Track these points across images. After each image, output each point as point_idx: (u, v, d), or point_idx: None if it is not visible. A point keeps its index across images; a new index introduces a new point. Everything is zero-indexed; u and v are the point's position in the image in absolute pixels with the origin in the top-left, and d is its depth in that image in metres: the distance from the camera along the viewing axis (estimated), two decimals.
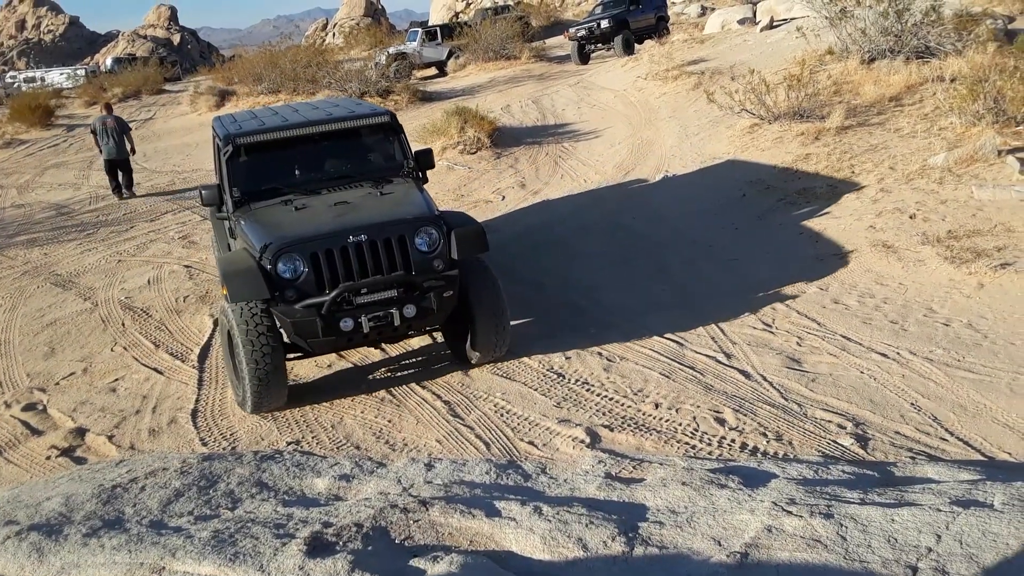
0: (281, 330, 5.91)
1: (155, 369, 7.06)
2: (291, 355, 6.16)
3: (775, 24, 20.28)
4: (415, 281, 5.91)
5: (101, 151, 14.02)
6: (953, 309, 6.56)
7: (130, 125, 14.85)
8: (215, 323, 7.87)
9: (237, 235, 6.55)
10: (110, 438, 5.90)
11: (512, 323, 6.48)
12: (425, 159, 7.05)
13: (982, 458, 4.58)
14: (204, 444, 5.66)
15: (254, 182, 6.63)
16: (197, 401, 6.36)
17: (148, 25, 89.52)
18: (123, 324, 8.18)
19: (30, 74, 45.83)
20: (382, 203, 6.38)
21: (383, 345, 6.87)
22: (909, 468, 4.27)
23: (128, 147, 14.05)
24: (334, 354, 6.87)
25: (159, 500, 4.28)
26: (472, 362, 6.43)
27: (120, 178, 14.19)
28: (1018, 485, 3.53)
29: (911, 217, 8.27)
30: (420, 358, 6.84)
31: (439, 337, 7.01)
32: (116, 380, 6.93)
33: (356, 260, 5.77)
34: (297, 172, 6.88)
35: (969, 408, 5.10)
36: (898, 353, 5.93)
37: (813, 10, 14.90)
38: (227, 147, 6.63)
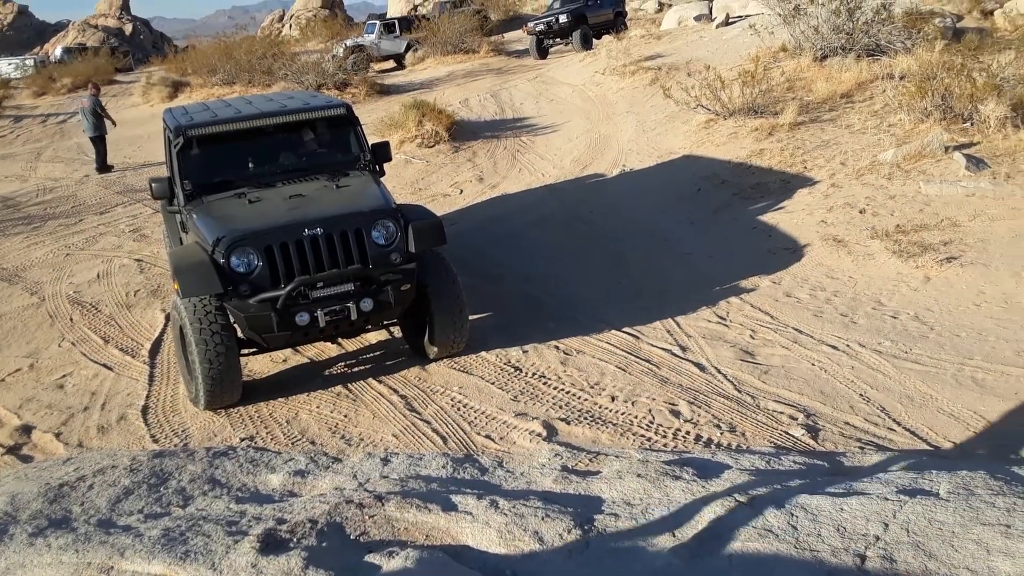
0: (235, 325, 5.83)
1: (104, 365, 6.91)
2: (245, 351, 6.08)
3: (731, 21, 20.51)
4: (372, 275, 5.83)
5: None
6: (901, 302, 6.71)
7: (101, 103, 15.74)
8: (167, 318, 7.74)
9: (189, 229, 6.42)
10: (57, 435, 5.77)
11: (470, 317, 6.45)
12: (382, 152, 7.01)
13: (928, 447, 4.69)
14: (155, 441, 5.56)
15: (206, 175, 6.47)
16: (148, 397, 6.25)
17: (99, 15, 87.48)
18: (71, 319, 8.00)
19: None
20: (338, 196, 6.29)
21: (340, 340, 6.82)
22: (858, 458, 4.37)
23: (92, 125, 15.13)
24: (289, 349, 6.78)
25: (108, 499, 4.20)
26: (430, 356, 6.39)
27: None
28: (963, 474, 3.62)
29: (861, 212, 8.43)
30: (377, 352, 6.80)
31: (396, 332, 6.97)
32: (64, 376, 6.77)
33: (312, 253, 5.69)
34: (251, 165, 6.73)
35: (916, 399, 5.22)
36: (848, 345, 6.05)
37: (767, 7, 15.10)
38: (178, 139, 6.46)
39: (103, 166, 15.41)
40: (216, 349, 5.54)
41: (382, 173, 7.00)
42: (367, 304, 5.81)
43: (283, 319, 5.65)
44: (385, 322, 6.42)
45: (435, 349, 6.31)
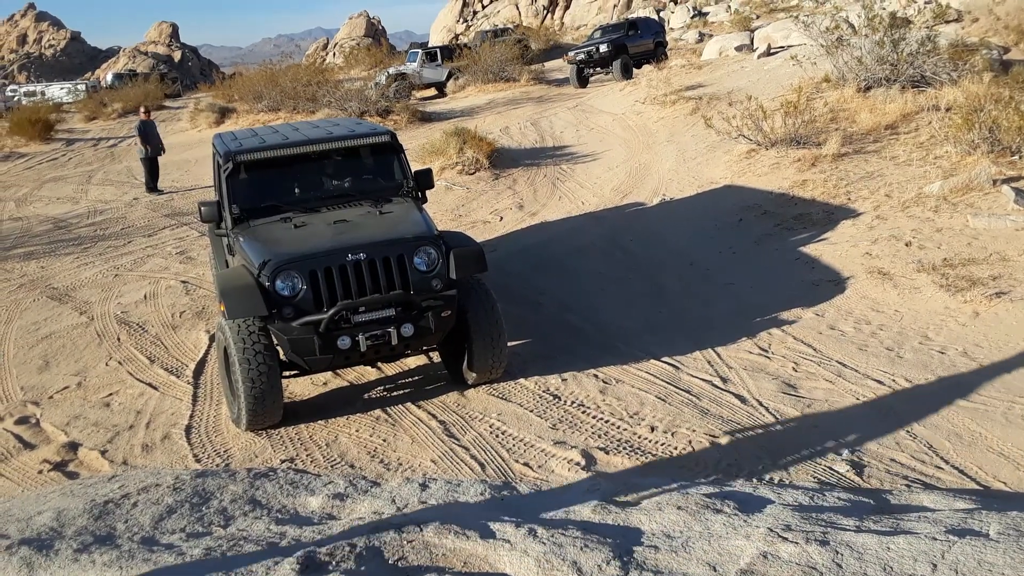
0: (278, 347, 5.89)
1: (150, 384, 7.03)
2: (287, 373, 6.13)
3: (772, 51, 20.48)
4: (413, 300, 5.86)
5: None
6: (948, 337, 6.58)
7: (136, 130, 16.49)
8: (211, 339, 7.86)
9: (235, 252, 6.52)
10: (103, 453, 5.86)
11: (509, 344, 6.46)
12: (425, 179, 7.06)
13: (977, 487, 4.58)
14: (198, 460, 5.63)
15: (253, 199, 6.60)
16: (191, 417, 6.33)
17: (149, 42, 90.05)
18: (118, 339, 8.16)
19: (30, 88, 45.99)
20: (381, 222, 6.36)
21: (379, 364, 6.86)
22: (905, 496, 4.27)
23: (141, 150, 15.99)
24: (329, 372, 6.85)
25: (151, 516, 4.26)
26: (468, 383, 6.40)
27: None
28: (1013, 515, 3.53)
29: (907, 244, 8.31)
30: (416, 377, 6.82)
31: (435, 357, 7.00)
32: (110, 395, 6.90)
33: (355, 278, 5.74)
34: (297, 190, 6.87)
35: (964, 437, 5.10)
36: (894, 380, 5.94)
37: (810, 38, 15.05)
38: (227, 164, 6.61)
39: (151, 187, 15.96)
40: (259, 370, 5.59)
41: (424, 200, 7.07)
42: (408, 329, 5.84)
43: (325, 342, 5.71)
44: (425, 347, 6.42)
45: (473, 375, 6.31)
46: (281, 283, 5.70)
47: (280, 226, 6.35)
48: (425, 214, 6.65)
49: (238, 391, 5.71)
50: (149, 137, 15.86)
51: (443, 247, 6.06)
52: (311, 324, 5.70)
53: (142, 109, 16.95)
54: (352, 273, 5.75)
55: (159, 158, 16.23)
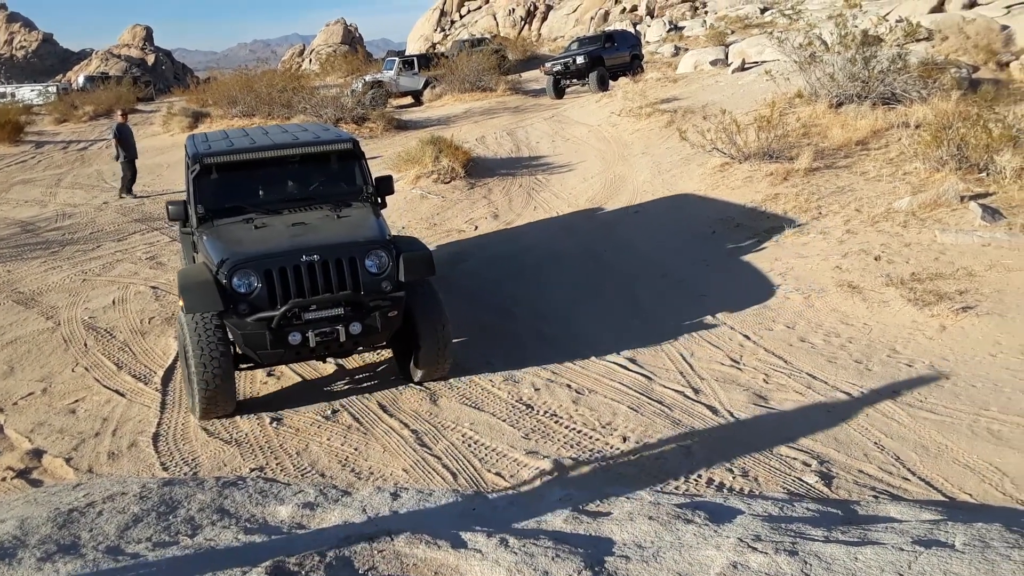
0: (233, 341, 6.14)
1: (117, 391, 6.93)
2: (243, 366, 6.43)
3: (746, 66, 20.68)
4: (362, 300, 6.15)
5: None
6: (916, 350, 6.67)
7: (112, 133, 16.14)
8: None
9: (199, 250, 6.75)
10: (68, 460, 5.76)
11: (481, 351, 6.50)
12: (385, 185, 7.40)
13: (943, 498, 4.64)
14: (165, 469, 5.56)
15: (218, 200, 6.88)
16: (159, 425, 6.25)
17: (123, 45, 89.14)
18: (85, 344, 8.04)
19: (0, 89, 45.28)
20: (337, 225, 6.63)
21: (340, 362, 7.02)
22: (872, 507, 4.32)
23: (115, 153, 15.75)
24: (303, 381, 6.84)
25: (117, 525, 4.18)
26: (415, 379, 6.66)
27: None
28: (979, 526, 3.57)
29: (876, 259, 8.43)
30: (391, 387, 6.78)
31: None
32: (76, 401, 6.79)
33: (308, 278, 6.03)
34: (261, 192, 7.12)
35: (931, 448, 5.17)
36: (862, 392, 6.01)
37: (784, 54, 15.24)
38: (195, 166, 6.90)
39: (126, 189, 15.80)
40: (211, 358, 5.87)
41: (383, 205, 7.38)
42: (356, 328, 6.13)
43: (276, 338, 6.01)
44: (373, 345, 6.66)
45: (420, 372, 6.60)
46: (238, 280, 5.99)
47: (241, 226, 6.63)
48: (381, 219, 6.92)
49: (192, 380, 5.98)
50: (125, 141, 15.70)
51: (394, 251, 6.35)
52: (264, 320, 5.98)
53: (119, 112, 16.91)
54: (305, 273, 6.03)
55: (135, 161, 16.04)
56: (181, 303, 6.04)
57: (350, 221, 6.74)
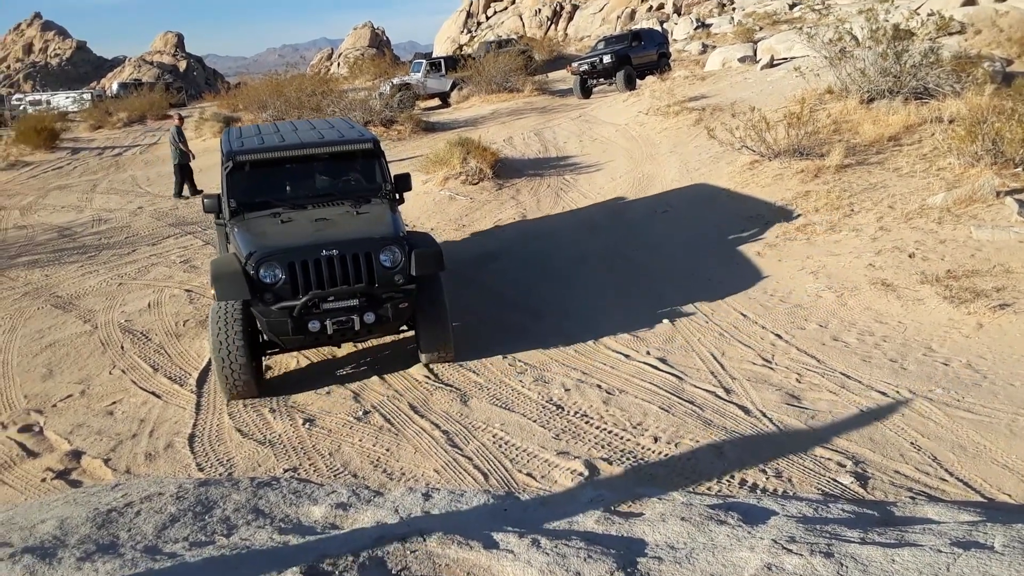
0: (260, 328, 6.65)
1: (153, 393, 7.04)
2: (269, 351, 7.00)
3: (775, 63, 20.52)
4: (376, 292, 6.66)
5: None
6: (952, 348, 6.58)
7: (179, 132, 16.61)
8: None
9: (231, 241, 7.28)
10: (106, 461, 5.86)
11: (511, 354, 6.67)
12: (403, 183, 7.91)
13: (981, 499, 4.56)
14: (200, 469, 5.63)
15: (249, 194, 7.44)
16: (194, 426, 6.33)
17: (155, 51, 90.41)
18: (122, 347, 8.17)
19: (36, 97, 46.10)
20: (356, 221, 7.17)
21: (384, 376, 7.06)
22: (909, 508, 4.26)
23: (174, 153, 16.23)
24: (334, 384, 6.92)
25: (154, 525, 4.25)
26: (423, 362, 7.15)
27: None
28: (1018, 527, 3.52)
29: (910, 256, 8.31)
30: (422, 387, 6.82)
31: (443, 375, 7.03)
32: (113, 403, 6.90)
33: (327, 271, 6.53)
34: (288, 188, 7.69)
35: (969, 448, 5.09)
36: (898, 392, 5.93)
37: (813, 50, 15.09)
38: (227, 162, 7.46)
39: (179, 193, 16.25)
40: (233, 341, 6.38)
41: (401, 201, 7.93)
42: (369, 317, 6.65)
43: (298, 325, 6.53)
44: (386, 332, 7.13)
45: (424, 356, 7.12)
46: (264, 272, 6.51)
47: (269, 220, 7.20)
48: (397, 215, 7.49)
49: (215, 363, 6.49)
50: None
51: (407, 247, 6.82)
52: (287, 309, 6.50)
53: (176, 115, 17.79)
54: (325, 266, 6.53)
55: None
56: (213, 291, 6.55)
57: (368, 217, 7.25)
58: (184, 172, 16.24)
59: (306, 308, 6.50)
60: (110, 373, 7.56)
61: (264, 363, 7.24)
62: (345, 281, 6.57)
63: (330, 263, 6.53)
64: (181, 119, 17.34)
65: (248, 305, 6.53)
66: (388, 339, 7.71)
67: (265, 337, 6.77)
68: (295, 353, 7.54)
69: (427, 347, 7.05)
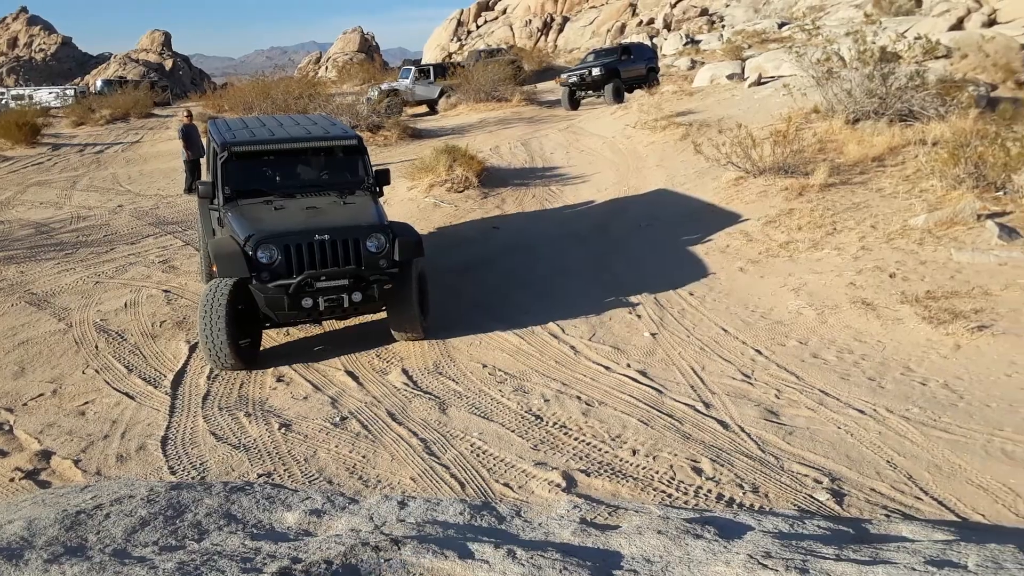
0: (257, 303, 7.23)
1: (126, 394, 6.95)
2: (267, 325, 7.59)
3: (763, 81, 20.65)
4: (363, 274, 7.34)
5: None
6: (930, 369, 6.61)
7: (180, 134, 16.63)
8: (191, 349, 7.80)
9: (224, 224, 7.80)
10: (76, 462, 5.77)
11: (491, 363, 6.46)
12: (383, 177, 8.66)
13: (956, 518, 4.58)
14: (173, 472, 5.55)
15: (242, 183, 8.02)
16: (168, 428, 6.25)
17: (141, 49, 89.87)
18: (96, 347, 8.07)
19: (19, 91, 45.66)
20: (344, 210, 7.83)
21: (363, 382, 6.97)
22: (884, 525, 4.26)
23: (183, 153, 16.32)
24: (310, 387, 6.85)
25: (124, 528, 4.17)
26: (395, 339, 7.81)
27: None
28: (992, 547, 3.52)
29: (891, 276, 8.37)
30: (401, 394, 6.78)
31: (421, 383, 6.98)
32: (86, 403, 6.81)
33: (319, 253, 7.21)
34: (278, 178, 8.34)
35: (944, 468, 5.11)
36: (875, 410, 5.95)
37: (800, 69, 15.20)
38: (223, 153, 7.98)
39: (189, 189, 16.20)
40: (216, 320, 6.87)
41: (381, 194, 8.62)
42: (357, 296, 7.35)
43: (292, 301, 7.19)
44: (370, 310, 7.81)
45: (396, 333, 7.80)
46: (261, 253, 7.13)
47: (263, 207, 7.80)
48: (380, 207, 8.10)
49: (203, 335, 6.96)
50: (191, 141, 16.21)
51: (391, 235, 7.51)
52: (283, 287, 7.15)
53: (184, 113, 17.79)
54: (317, 249, 7.20)
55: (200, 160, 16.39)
56: (215, 268, 7.18)
57: (354, 207, 7.92)
58: (194, 169, 16.15)
59: (300, 287, 7.14)
60: (83, 373, 7.46)
61: (260, 338, 7.70)
62: (335, 263, 7.23)
63: (322, 247, 7.20)
64: (190, 116, 17.24)
65: (239, 285, 7.07)
66: (370, 347, 7.69)
67: (261, 313, 7.32)
68: (273, 360, 7.48)
69: (395, 326, 7.73)
